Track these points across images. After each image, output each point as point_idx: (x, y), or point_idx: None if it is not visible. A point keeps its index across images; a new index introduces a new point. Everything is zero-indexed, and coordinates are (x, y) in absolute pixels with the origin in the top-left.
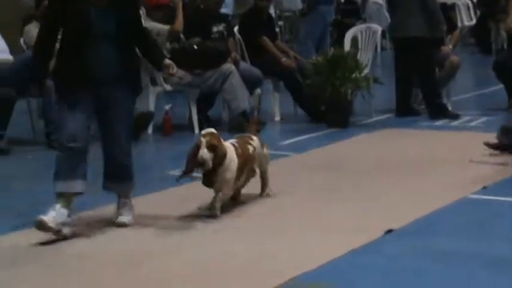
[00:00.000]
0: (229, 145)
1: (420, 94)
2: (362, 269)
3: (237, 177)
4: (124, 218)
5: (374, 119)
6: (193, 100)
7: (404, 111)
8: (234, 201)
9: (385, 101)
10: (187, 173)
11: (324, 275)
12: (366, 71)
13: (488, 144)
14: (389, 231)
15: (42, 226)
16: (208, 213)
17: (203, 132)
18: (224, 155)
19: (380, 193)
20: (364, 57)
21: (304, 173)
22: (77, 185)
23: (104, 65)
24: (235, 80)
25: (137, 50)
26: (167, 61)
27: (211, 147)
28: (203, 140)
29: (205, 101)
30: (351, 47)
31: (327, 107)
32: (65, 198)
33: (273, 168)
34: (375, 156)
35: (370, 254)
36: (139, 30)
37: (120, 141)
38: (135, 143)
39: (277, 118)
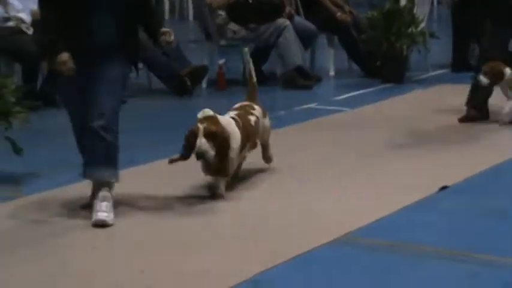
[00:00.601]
0: (229, 121)
1: (477, 49)
2: (417, 225)
3: (240, 153)
4: (104, 215)
5: (429, 74)
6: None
7: (460, 66)
8: (235, 179)
9: (441, 56)
10: (183, 159)
11: (378, 231)
12: (422, 25)
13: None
14: (444, 188)
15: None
16: (210, 194)
17: (199, 115)
18: (226, 141)
19: (434, 150)
20: (420, 11)
21: (358, 129)
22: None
23: (102, 35)
24: (290, 34)
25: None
26: (164, 29)
27: (210, 135)
28: (200, 126)
29: (259, 56)
30: (407, 1)
31: (382, 62)
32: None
33: (326, 123)
34: (430, 113)
35: (425, 211)
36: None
37: (98, 104)
38: (189, 96)
39: (332, 73)
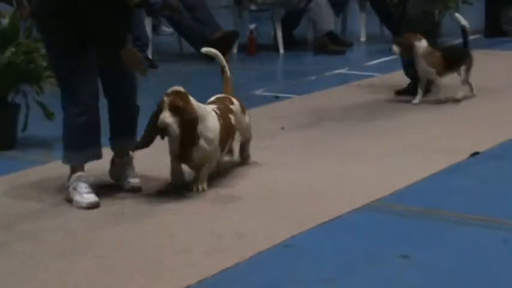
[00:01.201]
0: (210, 110)
1: (510, 14)
2: (449, 191)
3: (221, 150)
4: (136, 180)
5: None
6: (278, 20)
7: (493, 31)
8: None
9: (473, 21)
10: (144, 145)
11: (410, 197)
12: None
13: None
14: (476, 154)
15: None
16: (192, 188)
17: (168, 91)
18: (194, 119)
19: (466, 115)
20: None
21: (388, 94)
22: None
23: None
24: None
25: None
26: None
27: (176, 110)
28: (166, 99)
29: (291, 21)
30: None
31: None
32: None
33: (358, 89)
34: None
35: (456, 176)
36: None
37: (129, 84)
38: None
39: (363, 38)
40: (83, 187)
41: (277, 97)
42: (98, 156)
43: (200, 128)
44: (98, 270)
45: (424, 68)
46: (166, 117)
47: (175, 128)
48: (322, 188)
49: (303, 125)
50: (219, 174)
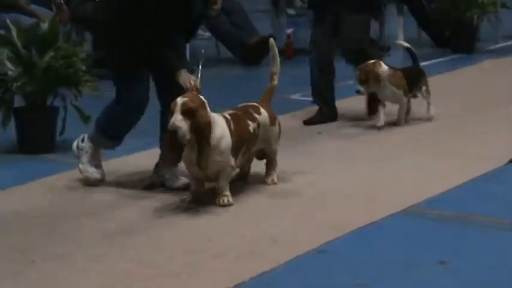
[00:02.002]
0: (218, 118)
1: None
2: (485, 197)
3: (235, 159)
4: (184, 179)
5: (500, 45)
6: None
7: None
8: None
9: None
10: (165, 161)
11: (445, 203)
12: None
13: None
14: None
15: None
16: (216, 202)
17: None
18: (207, 123)
19: (503, 122)
20: None
21: None
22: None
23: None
24: None
25: None
26: None
27: (189, 113)
28: (178, 102)
29: None
30: None
31: (452, 32)
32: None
33: None
34: (500, 84)
35: (493, 183)
36: None
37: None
38: (257, 66)
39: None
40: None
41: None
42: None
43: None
44: (135, 272)
45: (392, 91)
46: (178, 120)
47: (186, 132)
48: (357, 193)
49: (339, 130)
50: (253, 180)
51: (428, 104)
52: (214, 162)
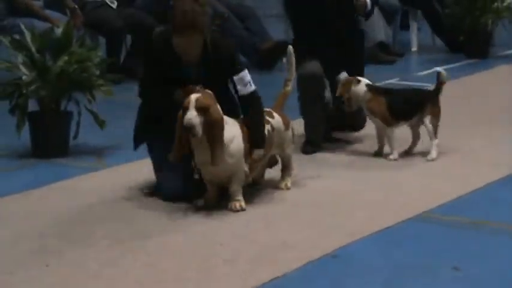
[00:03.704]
0: (230, 120)
1: None
2: (496, 204)
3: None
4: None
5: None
6: None
7: None
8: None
9: None
10: (178, 153)
11: (459, 209)
12: (508, 0)
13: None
14: None
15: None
16: (229, 208)
17: (195, 87)
18: (220, 119)
19: None
20: None
21: (441, 105)
22: None
23: None
24: None
25: None
26: None
27: (203, 109)
28: (192, 98)
29: None
30: None
31: (466, 38)
32: None
33: None
34: None
35: (506, 189)
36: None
37: None
38: (269, 71)
39: (414, 48)
40: None
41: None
42: None
43: None
44: (147, 278)
45: (370, 117)
46: (193, 116)
47: (199, 128)
48: (370, 199)
49: (350, 135)
50: (266, 185)
51: (431, 138)
52: (225, 165)
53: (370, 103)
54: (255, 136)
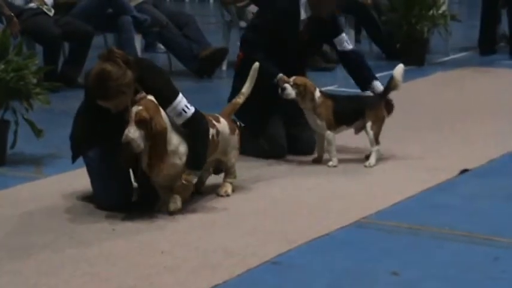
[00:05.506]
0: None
1: (501, 31)
2: (435, 209)
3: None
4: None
5: (450, 57)
6: None
7: (488, 49)
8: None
9: (462, 38)
10: (126, 163)
11: (396, 214)
12: (443, 8)
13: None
14: (465, 171)
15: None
16: (164, 210)
17: (136, 97)
18: (162, 131)
19: (455, 133)
20: None
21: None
22: None
23: None
24: None
25: None
26: None
27: (143, 122)
28: (132, 112)
29: None
30: None
31: (403, 45)
32: None
33: None
34: (451, 96)
35: (444, 194)
36: None
37: None
38: (209, 78)
39: None
40: None
41: None
42: None
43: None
44: (88, 287)
45: (314, 120)
46: (131, 132)
47: (140, 142)
48: (310, 205)
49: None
50: (206, 191)
51: (371, 144)
52: (173, 165)
53: (320, 107)
54: (193, 158)
